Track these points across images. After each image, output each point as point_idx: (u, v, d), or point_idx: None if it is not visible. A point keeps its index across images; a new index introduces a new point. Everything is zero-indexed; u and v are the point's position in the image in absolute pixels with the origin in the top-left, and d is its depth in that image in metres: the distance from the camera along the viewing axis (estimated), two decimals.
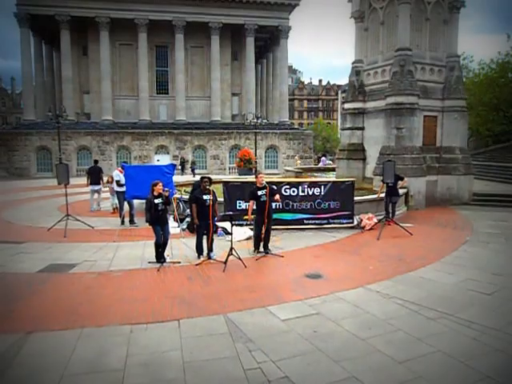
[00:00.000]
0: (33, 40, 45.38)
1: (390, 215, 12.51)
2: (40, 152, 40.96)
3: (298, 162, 34.97)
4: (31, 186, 26.97)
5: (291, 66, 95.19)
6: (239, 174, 33.52)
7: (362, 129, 18.93)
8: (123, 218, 13.16)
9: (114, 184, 13.92)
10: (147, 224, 8.94)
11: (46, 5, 41.65)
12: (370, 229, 11.94)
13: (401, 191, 13.88)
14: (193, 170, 36.04)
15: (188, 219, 12.00)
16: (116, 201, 14.62)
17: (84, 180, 17.38)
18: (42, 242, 10.53)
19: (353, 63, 19.33)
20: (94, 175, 16.02)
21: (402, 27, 16.49)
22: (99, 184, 16.00)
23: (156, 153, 42.44)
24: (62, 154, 36.07)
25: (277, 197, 9.35)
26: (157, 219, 8.52)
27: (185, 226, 12.13)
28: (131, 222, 12.95)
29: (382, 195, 12.83)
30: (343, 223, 12.17)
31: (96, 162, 17.34)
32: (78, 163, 41.14)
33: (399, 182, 12.99)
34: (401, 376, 4.27)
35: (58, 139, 35.15)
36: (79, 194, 19.49)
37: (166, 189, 8.95)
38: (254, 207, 9.17)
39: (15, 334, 5.20)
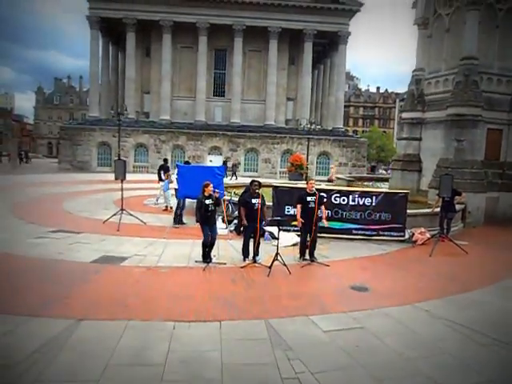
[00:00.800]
0: (101, 41, 47.92)
1: (445, 231, 11.94)
2: (101, 147, 43.09)
3: (333, 170, 34.13)
4: (91, 179, 28.43)
5: (348, 72, 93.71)
6: (289, 179, 33.40)
7: (420, 139, 18.28)
8: (177, 216, 13.28)
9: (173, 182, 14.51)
10: (196, 223, 9.09)
11: (115, 8, 43.95)
12: (422, 244, 11.46)
13: (458, 207, 13.21)
14: (234, 173, 34.46)
15: (236, 221, 12.13)
16: (169, 199, 15.31)
17: (140, 176, 18.01)
18: (97, 234, 11.05)
19: (413, 71, 18.74)
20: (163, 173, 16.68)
21: (469, 35, 15.76)
22: (162, 181, 16.51)
23: (209, 153, 43.32)
24: (120, 150, 37.77)
25: (323, 207, 9.24)
26: (206, 219, 8.67)
27: (232, 228, 12.26)
28: (180, 221, 13.10)
29: (437, 210, 12.28)
30: (394, 236, 11.77)
31: (165, 160, 18.06)
32: (134, 159, 42.85)
33: (456, 197, 12.36)
34: None
35: (118, 136, 36.87)
36: (134, 189, 20.26)
37: (216, 190, 9.09)
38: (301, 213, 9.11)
39: (68, 320, 5.48)
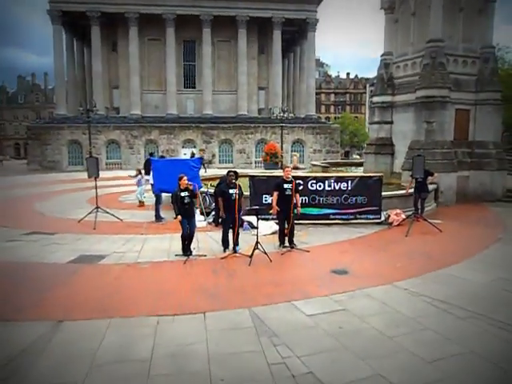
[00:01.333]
0: (65, 36, 46.46)
1: (419, 211, 12.23)
2: (71, 146, 42.04)
3: (295, 158, 34.22)
4: (62, 179, 27.72)
5: (318, 59, 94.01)
6: (265, 169, 33.43)
7: (391, 123, 18.57)
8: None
9: (144, 177, 14.35)
10: (176, 218, 8.91)
11: (77, 1, 42.60)
12: (398, 225, 11.71)
13: (430, 187, 13.53)
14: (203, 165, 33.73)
15: (214, 213, 12.08)
16: (142, 194, 15.35)
17: (114, 173, 17.69)
18: (72, 234, 10.82)
19: (382, 56, 18.95)
20: (147, 167, 16.34)
21: (434, 18, 16.02)
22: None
23: (183, 147, 42.86)
24: (92, 147, 36.93)
25: (298, 207, 9.28)
26: (184, 212, 8.61)
27: (211, 220, 12.22)
28: (158, 217, 12.81)
29: (411, 191, 12.56)
30: (370, 219, 11.98)
31: (151, 154, 17.96)
32: (107, 157, 42.02)
33: (429, 178, 12.66)
34: (429, 376, 4.18)
35: (88, 133, 35.98)
36: (108, 186, 19.90)
37: (191, 183, 9.01)
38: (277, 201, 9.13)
39: (47, 322, 5.36)
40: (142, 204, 15.54)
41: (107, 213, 12.59)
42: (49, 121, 48.37)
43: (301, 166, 25.64)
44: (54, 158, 41.45)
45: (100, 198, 13.10)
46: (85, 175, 13.28)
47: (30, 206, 15.95)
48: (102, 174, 15.19)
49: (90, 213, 12.35)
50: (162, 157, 20.62)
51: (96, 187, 12.82)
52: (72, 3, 42.80)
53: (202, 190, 13.02)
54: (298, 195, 9.41)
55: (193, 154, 34.73)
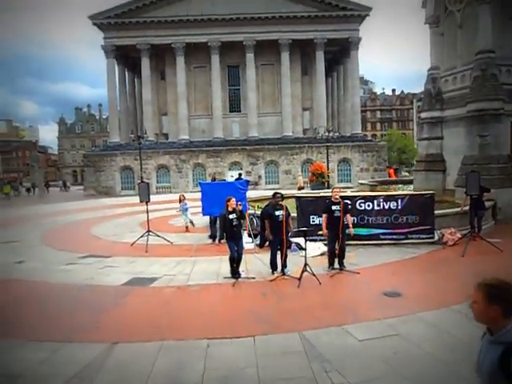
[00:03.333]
0: (117, 68, 49.21)
1: (476, 230, 11.61)
2: (124, 171, 43.95)
3: (300, 178, 33.38)
4: (116, 204, 28.92)
5: (362, 77, 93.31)
6: (312, 189, 33.24)
7: (441, 138, 17.97)
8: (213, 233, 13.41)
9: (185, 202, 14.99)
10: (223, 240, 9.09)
11: (128, 36, 45.17)
12: (453, 244, 11.16)
13: (487, 204, 12.85)
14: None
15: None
16: (189, 218, 15.76)
17: (163, 197, 18.22)
18: (125, 257, 11.20)
19: (428, 70, 18.53)
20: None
21: (482, 28, 15.52)
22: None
23: (230, 169, 43.59)
24: (143, 172, 38.43)
25: (348, 216, 9.15)
26: (231, 234, 8.69)
27: (259, 242, 12.23)
28: (214, 237, 13.19)
29: (466, 208, 11.98)
30: (423, 238, 11.51)
31: (240, 175, 18.33)
32: (157, 181, 43.50)
33: (485, 194, 12.04)
34: None
35: (139, 159, 37.57)
36: (159, 210, 20.51)
37: (239, 202, 9.10)
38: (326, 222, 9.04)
39: (102, 344, 5.54)
40: (187, 229, 15.76)
41: (158, 236, 12.95)
42: (103, 148, 50.98)
43: (363, 181, 25.35)
44: (108, 183, 43.44)
45: (151, 222, 13.51)
46: (136, 199, 13.79)
47: (86, 230, 16.73)
48: (153, 197, 15.70)
49: (141, 236, 12.76)
50: (214, 179, 20.98)
51: (147, 211, 13.26)
52: (124, 37, 45.44)
53: (249, 211, 13.11)
54: (349, 215, 9.25)
55: (240, 175, 35.10)
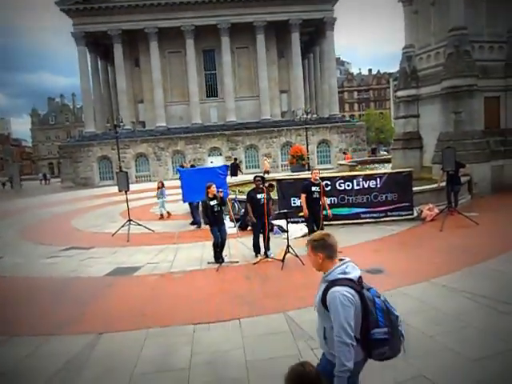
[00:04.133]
0: (89, 56, 47.95)
1: (453, 205, 11.89)
2: (101, 162, 43.24)
3: (266, 162, 33.82)
4: (95, 194, 28.50)
5: (339, 58, 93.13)
6: (292, 171, 33.38)
7: (417, 116, 18.17)
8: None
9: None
10: (206, 225, 9.10)
11: (98, 22, 43.91)
12: (432, 220, 11.41)
13: (463, 179, 13.14)
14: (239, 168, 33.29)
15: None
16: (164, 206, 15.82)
17: (143, 185, 18.02)
18: (108, 247, 11.10)
19: (403, 49, 18.60)
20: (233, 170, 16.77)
21: (454, 5, 15.61)
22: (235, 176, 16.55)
23: (209, 155, 43.33)
24: (121, 162, 37.85)
25: (326, 205, 9.27)
26: (214, 220, 8.68)
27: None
28: (194, 222, 13.44)
29: (443, 184, 12.23)
30: (402, 215, 11.73)
31: (235, 159, 18.15)
32: (136, 170, 42.97)
33: (461, 170, 12.30)
34: (475, 375, 4.03)
35: (117, 148, 36.93)
36: (139, 199, 20.31)
37: (220, 189, 9.09)
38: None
39: (88, 335, 5.50)
40: (162, 216, 15.72)
41: (139, 225, 12.85)
42: (79, 139, 49.97)
43: (342, 162, 25.63)
44: (86, 174, 42.70)
45: (132, 211, 13.38)
46: (116, 189, 13.61)
47: (66, 222, 16.46)
48: (132, 186, 15.52)
49: (123, 226, 12.64)
50: (193, 166, 20.81)
51: (127, 200, 13.11)
52: (94, 24, 44.15)
53: (230, 196, 13.10)
54: (324, 198, 9.35)
55: (235, 160, 34.40)
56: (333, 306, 2.55)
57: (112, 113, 50.79)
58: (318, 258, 2.78)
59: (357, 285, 2.63)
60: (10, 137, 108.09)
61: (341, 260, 2.79)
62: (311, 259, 2.86)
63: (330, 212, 9.38)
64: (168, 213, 15.82)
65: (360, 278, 2.69)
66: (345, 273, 2.69)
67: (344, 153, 38.51)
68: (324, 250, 2.77)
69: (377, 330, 2.60)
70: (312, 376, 2.33)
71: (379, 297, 2.68)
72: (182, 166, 18.68)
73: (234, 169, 31.39)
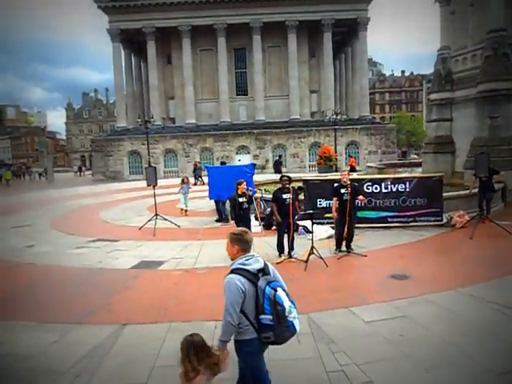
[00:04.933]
0: (123, 53, 48.90)
1: (485, 212, 11.52)
2: (131, 156, 44.07)
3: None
4: (124, 188, 29.10)
5: (371, 59, 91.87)
6: (319, 172, 33.12)
7: (451, 120, 17.74)
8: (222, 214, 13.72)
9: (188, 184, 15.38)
10: (232, 222, 9.13)
11: (133, 19, 44.74)
12: (462, 227, 11.09)
13: (496, 186, 12.72)
14: (199, 176, 30.03)
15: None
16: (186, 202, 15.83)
17: (171, 181, 18.25)
18: (134, 240, 11.30)
19: (438, 50, 18.20)
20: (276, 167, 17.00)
21: (494, 6, 15.13)
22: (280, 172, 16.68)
23: (237, 153, 43.51)
24: (150, 157, 38.51)
25: (361, 197, 9.04)
26: (240, 217, 8.71)
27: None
28: (221, 218, 13.53)
29: (475, 191, 11.87)
30: (431, 221, 11.45)
31: (280, 156, 18.53)
32: (165, 165, 43.59)
33: (494, 176, 11.91)
34: None
35: (146, 143, 37.61)
36: (166, 194, 20.59)
37: (249, 188, 9.12)
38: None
39: (112, 326, 5.63)
40: (184, 212, 15.69)
41: (166, 220, 13.03)
42: (110, 133, 51.07)
43: (371, 164, 25.82)
44: (116, 168, 43.63)
45: (159, 206, 13.58)
46: (144, 184, 13.84)
47: (95, 214, 16.88)
48: (160, 182, 15.75)
49: (149, 220, 12.85)
50: (223, 163, 20.97)
51: (155, 195, 13.32)
52: (129, 21, 45.03)
53: (256, 195, 13.12)
54: (361, 196, 9.13)
55: (279, 157, 34.45)
56: (225, 289, 3.21)
57: (143, 108, 51.68)
58: (234, 249, 3.29)
59: (253, 276, 3.17)
60: (45, 129, 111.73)
61: (250, 255, 3.29)
62: (228, 249, 3.35)
63: (361, 198, 9.11)
64: (185, 210, 15.84)
65: (260, 270, 3.22)
66: (244, 264, 3.21)
67: (350, 156, 37.99)
68: (239, 243, 3.28)
69: (263, 316, 3.13)
70: (200, 343, 3.19)
71: (276, 290, 3.12)
72: (195, 165, 18.91)
73: (277, 166, 31.70)
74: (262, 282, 3.16)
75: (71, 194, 26.43)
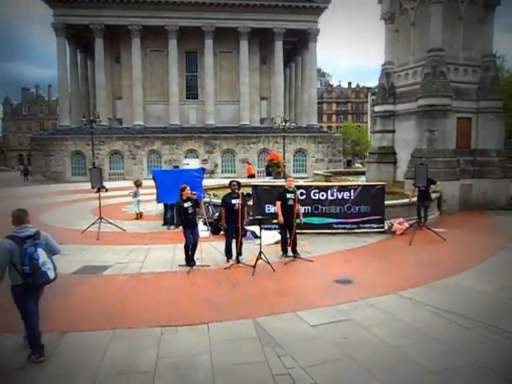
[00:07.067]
0: (68, 49, 46.87)
1: (423, 220, 12.21)
2: (75, 156, 42.24)
3: (251, 166, 35.01)
4: (66, 190, 27.82)
5: (320, 69, 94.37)
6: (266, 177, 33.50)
7: (393, 131, 18.62)
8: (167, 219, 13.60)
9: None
10: (179, 227, 9.04)
11: (81, 15, 43.06)
12: (402, 234, 11.69)
13: (433, 195, 13.53)
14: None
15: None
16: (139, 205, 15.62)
17: (116, 184, 17.75)
18: (76, 244, 10.82)
19: (383, 65, 19.06)
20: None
21: (434, 27, 16.13)
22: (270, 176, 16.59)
23: (185, 157, 42.99)
24: (95, 158, 37.13)
25: (300, 216, 9.48)
26: (186, 222, 8.62)
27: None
28: (167, 223, 13.50)
29: (414, 199, 12.54)
30: (373, 228, 11.95)
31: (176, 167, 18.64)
32: (110, 167, 42.18)
33: (431, 186, 12.66)
34: None
35: (91, 144, 36.24)
36: (111, 197, 19.92)
37: (194, 192, 9.05)
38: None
39: (52, 333, 5.35)
40: (140, 215, 15.51)
41: (110, 223, 12.63)
42: (52, 132, 48.65)
43: (317, 171, 26.97)
44: (58, 168, 41.62)
45: (103, 209, 13.14)
46: (88, 186, 13.35)
47: (34, 216, 15.89)
48: (105, 184, 15.22)
49: (93, 223, 12.39)
50: (176, 167, 20.65)
51: (99, 198, 12.87)
52: (76, 16, 43.26)
53: (205, 199, 13.05)
54: (298, 204, 9.47)
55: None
56: None
57: (89, 108, 49.73)
58: (13, 222, 4.86)
59: (21, 240, 4.60)
60: None
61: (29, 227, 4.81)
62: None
63: (301, 219, 9.53)
64: (140, 213, 15.57)
65: (29, 236, 4.66)
66: (16, 232, 4.69)
67: (248, 162, 39.22)
68: (13, 219, 4.86)
69: (23, 267, 4.52)
70: None
71: (37, 250, 4.60)
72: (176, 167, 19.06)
73: (268, 169, 31.96)
74: (27, 244, 4.57)
75: (8, 195, 24.88)
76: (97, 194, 12.72)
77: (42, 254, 4.63)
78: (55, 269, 4.78)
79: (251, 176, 31.04)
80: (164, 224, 13.64)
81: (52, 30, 44.24)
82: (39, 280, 4.63)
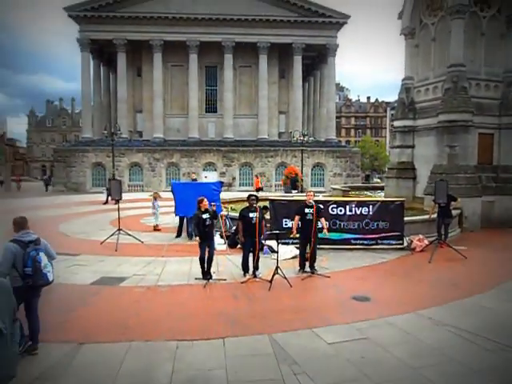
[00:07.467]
0: (92, 63, 48.16)
1: (443, 237, 11.97)
2: (95, 168, 43.03)
3: (259, 179, 35.10)
4: (86, 200, 28.29)
5: (338, 84, 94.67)
6: (285, 192, 33.46)
7: (412, 147, 18.43)
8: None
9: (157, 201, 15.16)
10: (196, 238, 9.03)
11: (105, 30, 44.28)
12: (421, 251, 11.47)
13: (454, 212, 13.27)
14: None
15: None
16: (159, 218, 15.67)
17: (135, 195, 17.89)
18: (95, 255, 10.97)
19: (403, 80, 18.98)
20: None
21: (454, 43, 16.02)
22: (295, 189, 16.66)
23: (204, 169, 43.34)
24: (115, 170, 37.73)
25: (323, 220, 9.31)
26: (204, 235, 8.63)
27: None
28: (190, 234, 13.32)
29: (434, 216, 12.33)
30: (392, 244, 11.78)
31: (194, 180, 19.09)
32: (129, 179, 42.79)
33: (452, 203, 12.43)
34: None
35: (112, 156, 36.86)
36: (130, 208, 20.18)
37: (213, 203, 9.08)
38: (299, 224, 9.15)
39: (68, 344, 5.41)
40: (156, 227, 15.53)
41: (129, 235, 12.75)
42: (74, 144, 49.75)
43: (335, 186, 27.03)
44: (78, 179, 42.43)
45: (122, 220, 13.28)
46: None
47: (54, 227, 16.27)
48: (125, 196, 15.44)
49: (112, 235, 12.53)
50: (195, 180, 20.74)
51: (118, 209, 13.04)
52: (100, 31, 44.53)
53: (222, 212, 13.08)
54: (323, 219, 9.38)
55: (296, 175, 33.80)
56: (1, 250, 4.90)
57: (110, 120, 50.79)
58: (14, 228, 5.36)
59: (24, 244, 5.06)
60: (4, 136, 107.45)
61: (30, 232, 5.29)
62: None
63: (327, 233, 9.52)
64: (157, 225, 15.61)
65: (31, 241, 5.16)
66: (20, 237, 5.14)
67: (256, 176, 38.91)
68: (15, 225, 5.33)
69: (25, 269, 4.95)
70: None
71: (39, 254, 5.08)
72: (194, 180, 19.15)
73: (294, 183, 32.29)
74: (30, 249, 5.04)
75: (29, 205, 25.41)
76: (116, 206, 12.87)
77: (43, 258, 5.11)
78: (53, 273, 5.30)
79: (259, 189, 31.22)
80: (177, 236, 13.68)
81: (75, 45, 45.65)
82: (38, 281, 5.02)
